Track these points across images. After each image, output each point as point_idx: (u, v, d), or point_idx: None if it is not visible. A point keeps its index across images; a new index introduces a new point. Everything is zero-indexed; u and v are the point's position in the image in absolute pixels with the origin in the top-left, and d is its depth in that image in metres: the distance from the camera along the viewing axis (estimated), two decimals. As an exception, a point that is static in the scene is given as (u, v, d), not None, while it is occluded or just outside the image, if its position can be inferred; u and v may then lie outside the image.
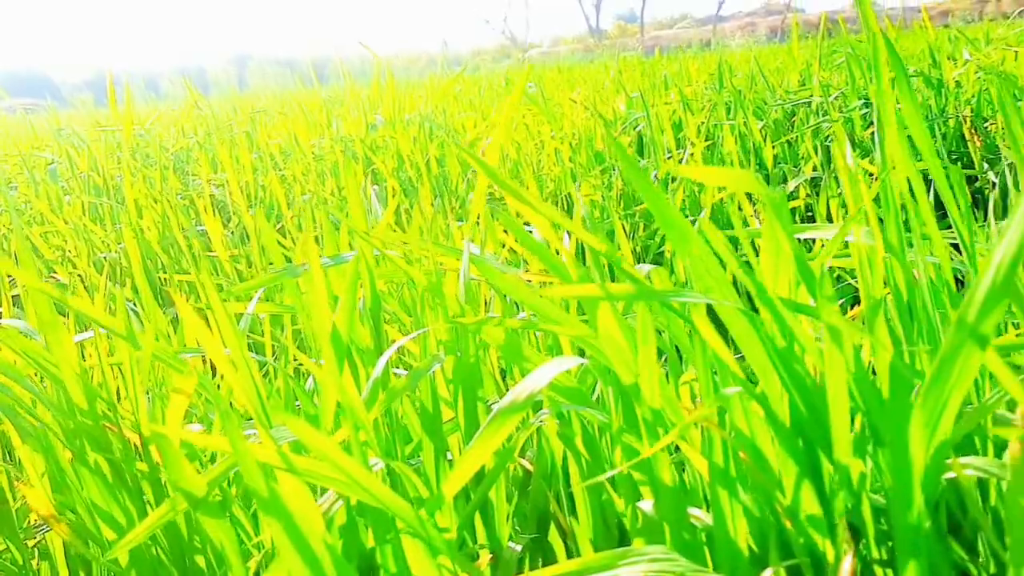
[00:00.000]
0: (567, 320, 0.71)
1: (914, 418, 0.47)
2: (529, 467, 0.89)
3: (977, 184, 1.93)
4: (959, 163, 2.02)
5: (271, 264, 1.86)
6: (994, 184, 1.95)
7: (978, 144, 2.03)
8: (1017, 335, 0.75)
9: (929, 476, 0.49)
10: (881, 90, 0.71)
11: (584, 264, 0.77)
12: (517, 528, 0.89)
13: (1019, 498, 0.47)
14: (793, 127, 2.28)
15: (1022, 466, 0.45)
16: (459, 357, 0.77)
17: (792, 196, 1.95)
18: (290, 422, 0.49)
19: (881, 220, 0.77)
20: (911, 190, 0.78)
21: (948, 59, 2.74)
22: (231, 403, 0.85)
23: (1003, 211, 1.86)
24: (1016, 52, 2.30)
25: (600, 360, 0.70)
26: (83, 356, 0.95)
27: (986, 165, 1.91)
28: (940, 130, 1.99)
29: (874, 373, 0.60)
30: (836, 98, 2.18)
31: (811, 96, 2.17)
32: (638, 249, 1.80)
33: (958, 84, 2.18)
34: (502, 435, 0.57)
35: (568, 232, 0.93)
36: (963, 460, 0.52)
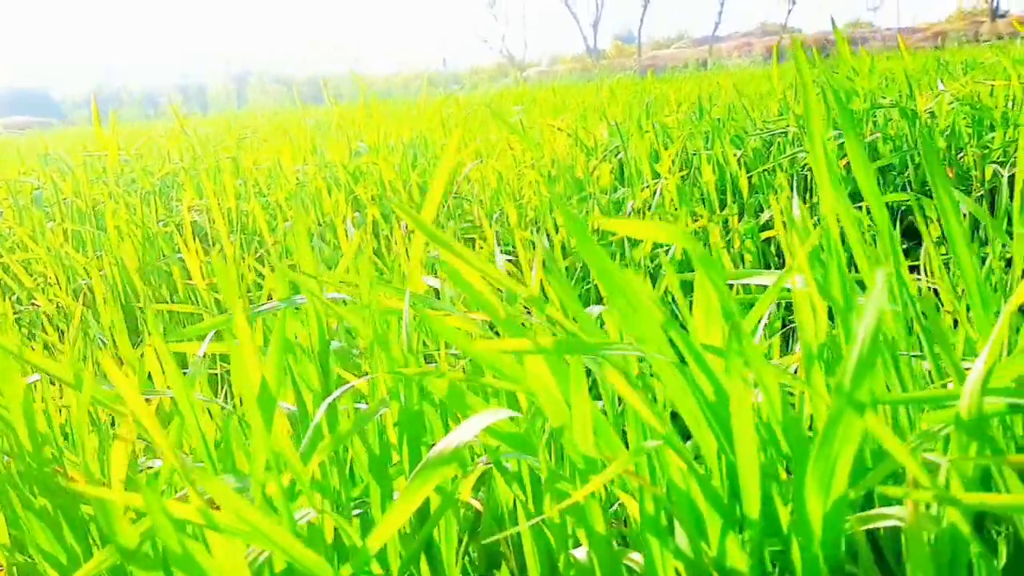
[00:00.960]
0: (508, 368, 0.72)
1: (808, 476, 0.48)
2: (480, 508, 0.89)
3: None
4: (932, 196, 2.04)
5: (249, 293, 1.87)
6: (965, 215, 1.96)
7: (951, 175, 2.05)
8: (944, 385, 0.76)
9: (827, 530, 0.49)
10: (814, 144, 0.73)
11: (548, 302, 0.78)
12: (468, 569, 0.89)
13: (917, 555, 0.48)
14: (771, 156, 2.30)
15: (916, 526, 0.46)
16: (403, 404, 0.78)
17: (767, 226, 1.97)
18: (206, 481, 0.50)
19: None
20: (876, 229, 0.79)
21: (928, 87, 2.76)
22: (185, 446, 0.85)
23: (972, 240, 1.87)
24: (991, 85, 2.32)
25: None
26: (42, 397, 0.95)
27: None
28: (913, 161, 2.01)
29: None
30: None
31: (787, 126, 2.19)
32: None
33: (933, 115, 2.20)
34: (427, 489, 0.58)
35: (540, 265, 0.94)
36: (863, 514, 0.53)
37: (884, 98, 2.21)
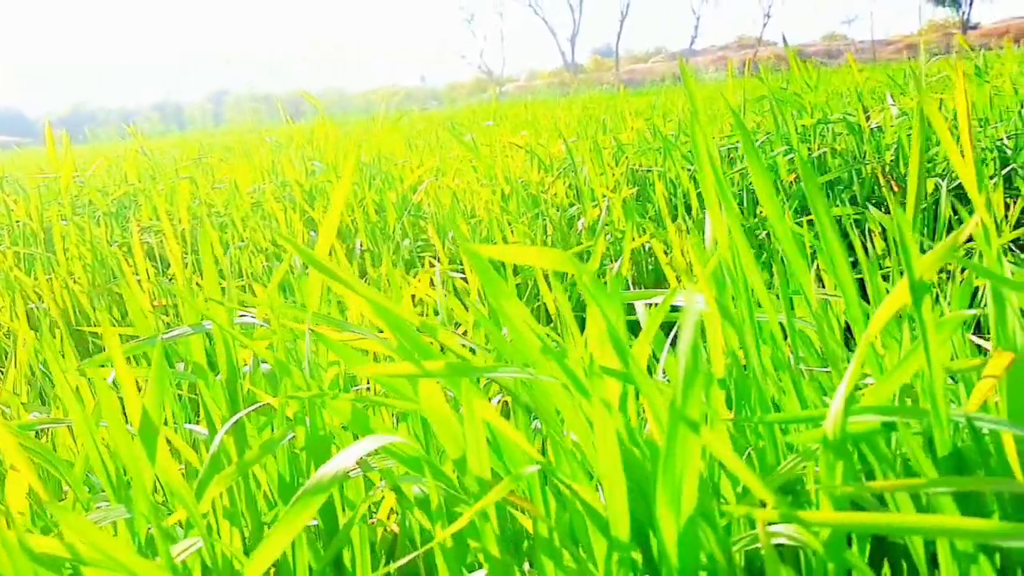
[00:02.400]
0: (406, 393, 0.72)
1: (658, 496, 0.49)
2: (396, 529, 0.89)
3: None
4: (880, 208, 2.06)
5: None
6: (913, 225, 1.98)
7: (895, 189, 2.07)
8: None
9: (683, 549, 0.50)
10: (702, 166, 0.74)
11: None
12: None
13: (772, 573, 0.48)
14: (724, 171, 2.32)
15: (767, 546, 0.47)
16: (308, 429, 0.78)
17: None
18: (63, 516, 0.49)
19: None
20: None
21: (881, 100, 2.80)
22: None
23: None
24: (940, 98, 2.36)
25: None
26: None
27: (903, 208, 1.95)
28: (859, 176, 2.03)
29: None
30: (761, 143, 2.23)
31: (737, 141, 2.21)
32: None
33: (880, 129, 2.23)
34: (305, 517, 0.58)
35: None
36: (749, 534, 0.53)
37: (832, 114, 2.24)
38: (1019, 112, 2.12)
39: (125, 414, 0.76)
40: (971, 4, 46.67)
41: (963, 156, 0.73)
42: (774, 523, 0.50)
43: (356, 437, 0.87)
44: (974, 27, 48.37)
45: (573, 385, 0.62)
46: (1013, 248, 1.85)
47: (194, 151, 3.89)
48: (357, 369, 0.64)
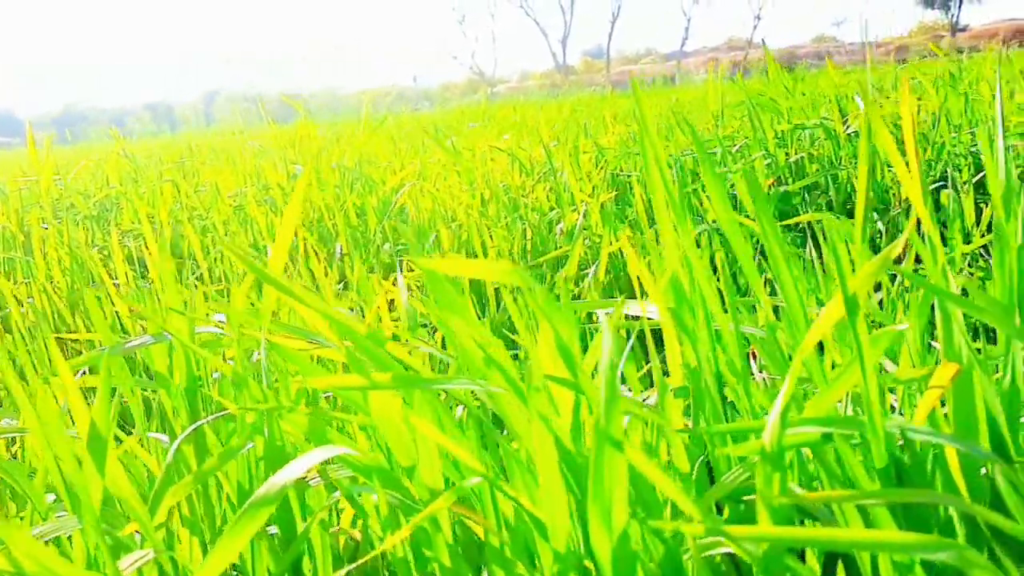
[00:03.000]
0: (362, 405, 0.73)
1: (590, 512, 0.50)
2: (359, 537, 0.90)
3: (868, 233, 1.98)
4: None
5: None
6: (882, 233, 2.00)
7: (870, 194, 2.09)
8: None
9: (617, 564, 0.51)
10: (651, 179, 0.75)
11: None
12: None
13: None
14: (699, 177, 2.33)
15: (696, 558, 0.47)
16: (267, 439, 0.79)
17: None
18: (15, 537, 0.50)
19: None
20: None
21: (863, 103, 2.81)
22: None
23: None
24: (920, 102, 2.37)
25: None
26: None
27: (875, 215, 1.97)
28: (835, 181, 2.05)
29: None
30: (739, 148, 2.24)
31: (716, 147, 2.22)
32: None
33: (858, 134, 2.25)
34: (253, 527, 0.59)
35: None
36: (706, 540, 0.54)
37: (811, 119, 2.25)
38: (994, 118, 2.13)
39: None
40: (960, 6, 46.85)
41: (910, 171, 0.74)
42: (701, 537, 0.51)
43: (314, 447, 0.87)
44: (963, 29, 48.59)
45: (516, 396, 0.62)
46: (984, 254, 1.86)
47: (179, 153, 3.88)
48: (307, 380, 0.65)
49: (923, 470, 0.62)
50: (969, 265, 1.73)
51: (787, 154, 2.22)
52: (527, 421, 0.67)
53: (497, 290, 2.05)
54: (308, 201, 2.60)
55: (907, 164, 0.74)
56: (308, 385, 0.68)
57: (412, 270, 2.23)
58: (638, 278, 1.60)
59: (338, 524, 0.89)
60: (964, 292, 0.74)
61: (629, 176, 2.36)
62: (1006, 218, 0.73)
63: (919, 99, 2.50)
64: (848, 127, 2.15)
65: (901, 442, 0.67)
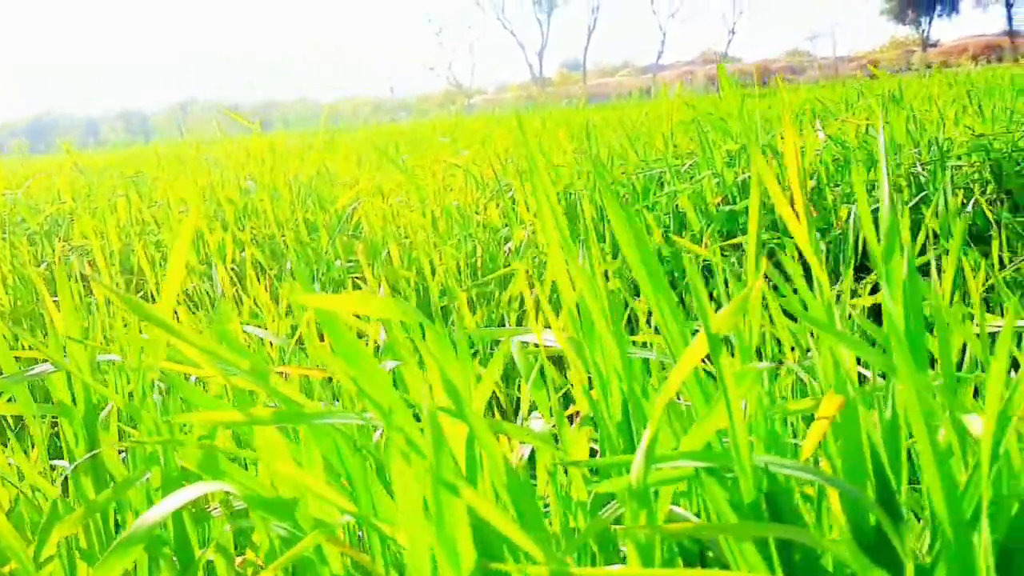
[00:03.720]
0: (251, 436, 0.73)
1: (436, 553, 0.50)
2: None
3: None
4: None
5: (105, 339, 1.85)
6: (826, 253, 2.03)
7: (814, 214, 2.11)
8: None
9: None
10: (542, 215, 0.75)
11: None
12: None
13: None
14: (653, 193, 2.35)
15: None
16: (164, 469, 0.78)
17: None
18: None
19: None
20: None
21: (810, 123, 2.85)
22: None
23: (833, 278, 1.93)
24: (868, 124, 2.41)
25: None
26: None
27: (819, 235, 1.99)
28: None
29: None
30: (689, 168, 2.26)
31: (664, 167, 2.24)
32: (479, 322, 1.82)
33: (803, 152, 2.28)
34: (121, 565, 0.58)
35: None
36: None
37: (761, 137, 2.28)
38: (935, 139, 2.17)
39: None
40: (931, 23, 47.69)
41: (797, 215, 0.75)
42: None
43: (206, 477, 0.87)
44: (934, 45, 49.43)
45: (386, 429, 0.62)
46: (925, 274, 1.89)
47: (141, 165, 3.86)
48: (187, 416, 0.65)
49: (790, 502, 0.62)
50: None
51: (736, 173, 2.25)
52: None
53: (444, 307, 2.06)
54: (263, 216, 2.59)
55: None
56: (186, 419, 0.68)
57: (358, 287, 2.23)
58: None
59: (243, 555, 0.89)
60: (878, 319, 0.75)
61: (577, 194, 2.37)
62: (887, 257, 0.74)
63: (867, 119, 2.54)
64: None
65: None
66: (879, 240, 0.73)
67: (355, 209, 2.31)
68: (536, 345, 0.86)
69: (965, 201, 2.00)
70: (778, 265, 2.14)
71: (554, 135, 2.96)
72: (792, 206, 0.75)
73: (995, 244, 1.74)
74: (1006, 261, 1.80)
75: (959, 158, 2.14)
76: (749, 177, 2.22)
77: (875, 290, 1.88)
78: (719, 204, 2.19)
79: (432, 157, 2.95)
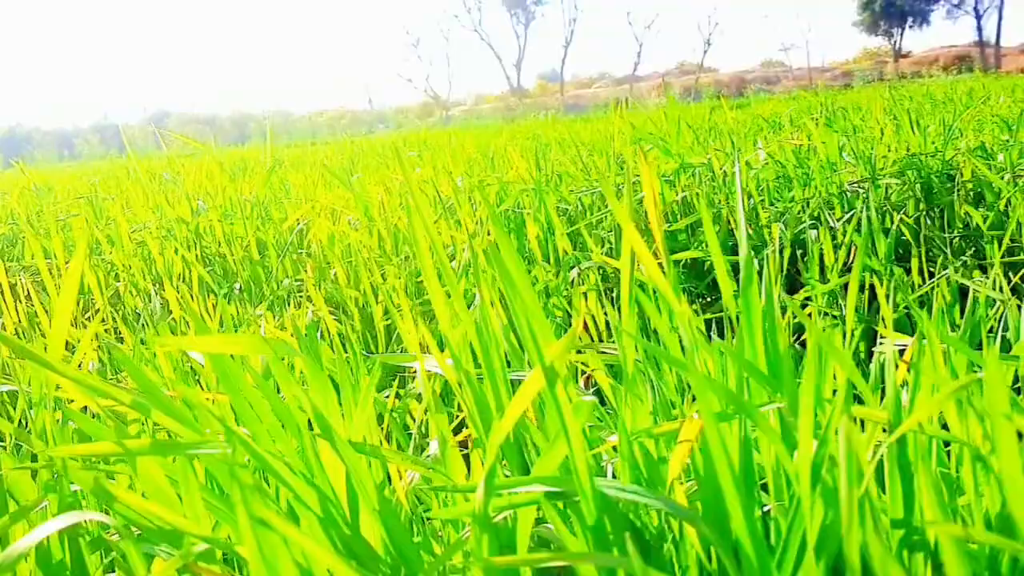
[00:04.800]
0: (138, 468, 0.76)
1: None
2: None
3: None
4: (735, 252, 2.15)
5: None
6: (760, 270, 2.07)
7: (749, 231, 2.16)
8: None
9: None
10: (420, 254, 0.79)
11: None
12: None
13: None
14: (599, 209, 2.39)
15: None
16: (60, 495, 0.81)
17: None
18: None
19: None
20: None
21: (755, 140, 2.91)
22: None
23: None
24: (796, 143, 2.46)
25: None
26: None
27: (753, 252, 2.04)
28: (722, 218, 2.12)
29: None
30: (622, 187, 2.30)
31: (598, 186, 2.29)
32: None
33: (748, 165, 2.33)
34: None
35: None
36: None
37: (695, 159, 2.33)
38: (870, 157, 2.23)
39: None
40: (902, 34, 48.36)
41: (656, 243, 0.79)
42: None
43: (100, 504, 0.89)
44: (905, 55, 50.13)
45: (257, 460, 0.66)
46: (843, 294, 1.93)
47: (92, 184, 3.87)
48: (62, 450, 0.67)
49: (621, 530, 0.66)
50: (829, 306, 1.80)
51: (676, 191, 2.30)
52: (300, 485, 0.71)
53: (389, 326, 2.09)
54: (213, 234, 2.61)
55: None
56: (52, 453, 0.70)
57: (300, 307, 2.25)
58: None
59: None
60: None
61: (522, 212, 2.41)
62: (744, 290, 0.78)
63: (808, 136, 2.60)
64: (723, 167, 2.23)
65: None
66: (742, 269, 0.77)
67: (308, 227, 2.33)
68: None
69: (896, 218, 2.05)
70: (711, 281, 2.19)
71: (507, 153, 3.01)
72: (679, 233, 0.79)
73: (914, 262, 1.80)
74: (926, 279, 1.85)
75: (896, 175, 2.20)
76: (685, 196, 2.27)
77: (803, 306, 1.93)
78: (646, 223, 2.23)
79: (386, 175, 2.99)
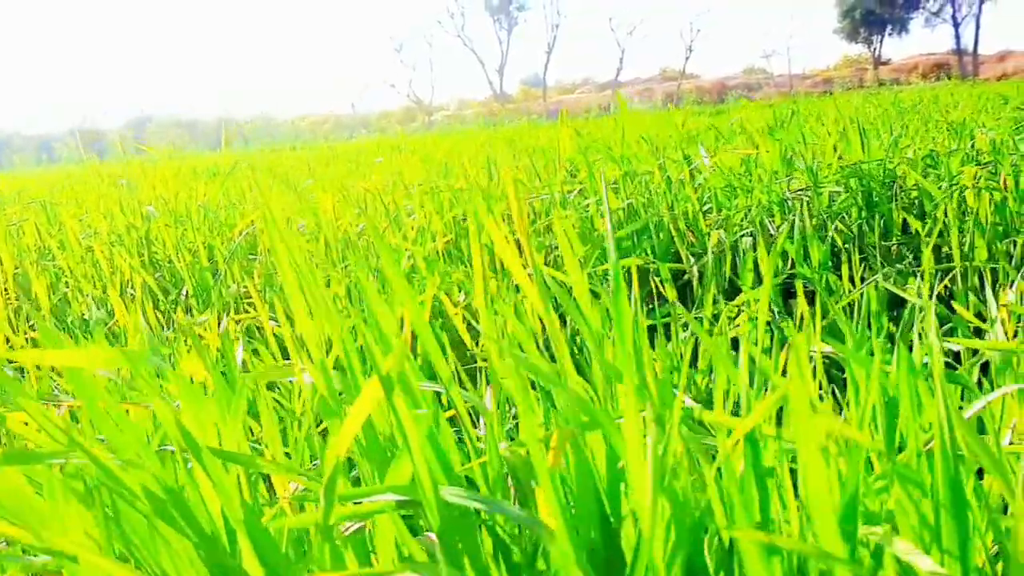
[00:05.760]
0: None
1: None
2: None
3: (685, 277, 2.08)
4: (675, 259, 2.17)
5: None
6: (700, 275, 2.10)
7: (692, 239, 2.18)
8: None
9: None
10: (284, 274, 0.79)
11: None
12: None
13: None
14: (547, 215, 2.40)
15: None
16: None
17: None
18: None
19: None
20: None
21: (714, 145, 2.93)
22: None
23: (698, 302, 2.00)
24: (740, 153, 2.49)
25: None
26: None
27: (692, 259, 2.06)
28: (658, 229, 2.14)
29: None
30: (575, 195, 2.32)
31: (551, 193, 2.30)
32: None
33: (686, 181, 2.35)
34: None
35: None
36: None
37: (641, 166, 2.35)
38: (810, 168, 2.25)
39: None
40: (882, 41, 48.76)
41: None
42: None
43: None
44: (885, 63, 50.55)
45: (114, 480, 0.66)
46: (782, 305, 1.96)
47: (50, 190, 3.85)
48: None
49: (471, 534, 0.67)
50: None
51: (622, 199, 2.31)
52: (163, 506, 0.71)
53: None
54: (163, 241, 2.60)
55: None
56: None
57: (248, 311, 2.25)
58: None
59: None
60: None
61: (464, 220, 2.42)
62: (616, 305, 0.79)
63: (756, 147, 2.62)
64: (667, 174, 2.25)
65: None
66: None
67: (242, 236, 2.33)
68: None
69: (833, 225, 2.08)
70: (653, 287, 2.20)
71: (459, 161, 3.02)
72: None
73: (844, 269, 1.82)
74: (856, 285, 1.87)
75: (840, 184, 2.23)
76: (631, 203, 2.29)
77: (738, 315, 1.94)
78: (602, 231, 2.25)
79: (340, 183, 2.99)
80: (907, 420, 0.76)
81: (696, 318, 1.91)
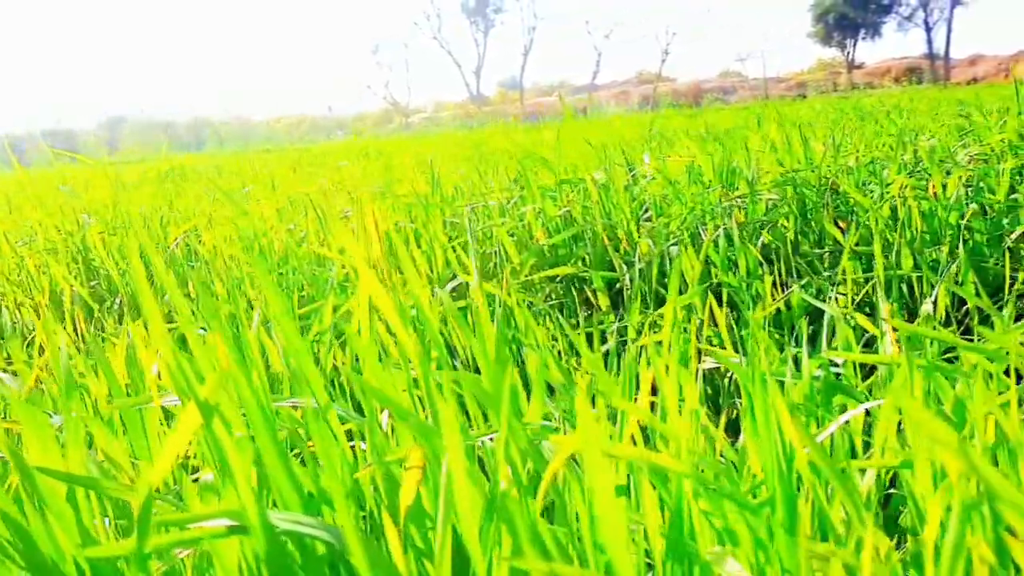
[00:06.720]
0: None
1: None
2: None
3: (618, 286, 2.08)
4: (608, 267, 2.17)
5: None
6: (631, 282, 2.10)
7: (625, 247, 2.19)
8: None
9: None
10: (136, 283, 0.78)
11: None
12: None
13: None
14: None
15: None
16: None
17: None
18: None
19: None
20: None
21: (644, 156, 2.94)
22: None
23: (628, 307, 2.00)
24: (678, 158, 2.50)
25: None
26: None
27: (625, 267, 2.07)
28: (592, 237, 2.14)
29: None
30: (514, 203, 2.32)
31: (494, 200, 2.30)
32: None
33: (629, 186, 2.35)
34: None
35: None
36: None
37: (576, 175, 2.36)
38: (746, 177, 2.26)
39: None
40: (855, 45, 49.25)
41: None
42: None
43: None
44: (859, 66, 51.07)
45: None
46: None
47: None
48: None
49: (314, 558, 0.66)
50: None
51: (559, 207, 2.31)
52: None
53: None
54: (100, 248, 2.58)
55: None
56: None
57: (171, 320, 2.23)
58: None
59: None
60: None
61: (407, 226, 2.42)
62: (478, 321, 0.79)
63: (694, 157, 2.63)
64: (598, 183, 2.26)
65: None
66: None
67: (175, 243, 2.31)
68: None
69: (765, 235, 2.09)
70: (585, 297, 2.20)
71: (405, 166, 3.01)
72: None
73: (767, 279, 1.83)
74: (779, 294, 1.89)
75: (776, 192, 2.24)
76: (569, 211, 2.29)
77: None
78: (545, 238, 2.25)
79: (283, 190, 2.97)
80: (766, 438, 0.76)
81: (625, 327, 1.92)
